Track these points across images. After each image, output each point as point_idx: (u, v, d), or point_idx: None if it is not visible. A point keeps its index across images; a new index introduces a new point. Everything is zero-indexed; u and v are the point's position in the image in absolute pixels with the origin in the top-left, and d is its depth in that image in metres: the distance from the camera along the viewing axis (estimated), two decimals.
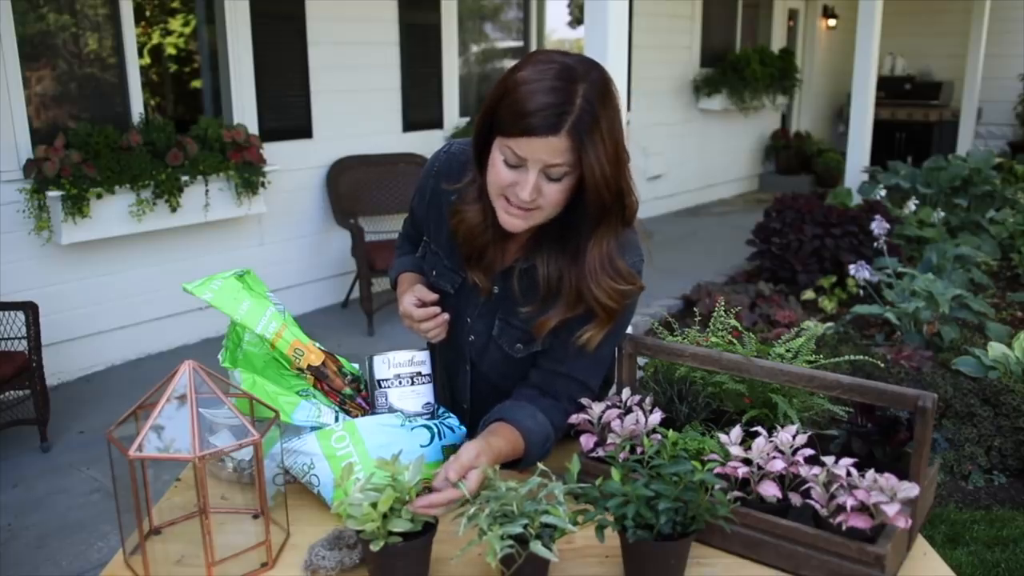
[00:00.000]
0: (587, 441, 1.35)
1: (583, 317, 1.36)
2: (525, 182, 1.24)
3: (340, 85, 5.38)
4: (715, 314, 1.54)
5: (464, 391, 1.59)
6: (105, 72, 4.49)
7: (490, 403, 1.48)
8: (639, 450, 1.22)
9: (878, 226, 4.65)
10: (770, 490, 1.16)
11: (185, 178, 4.38)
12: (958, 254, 5.15)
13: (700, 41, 8.89)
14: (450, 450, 1.40)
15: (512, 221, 1.30)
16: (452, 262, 1.48)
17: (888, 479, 1.11)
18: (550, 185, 1.25)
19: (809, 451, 1.18)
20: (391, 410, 1.42)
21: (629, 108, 5.38)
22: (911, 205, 5.95)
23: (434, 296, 1.47)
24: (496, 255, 1.43)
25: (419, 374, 1.45)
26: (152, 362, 4.60)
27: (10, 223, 4.02)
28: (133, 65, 4.49)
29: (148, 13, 4.82)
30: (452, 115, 6.19)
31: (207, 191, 4.51)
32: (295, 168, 5.18)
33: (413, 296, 1.46)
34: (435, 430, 1.38)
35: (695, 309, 4.25)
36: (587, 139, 1.20)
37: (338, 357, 1.47)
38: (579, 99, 1.20)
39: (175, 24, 5.01)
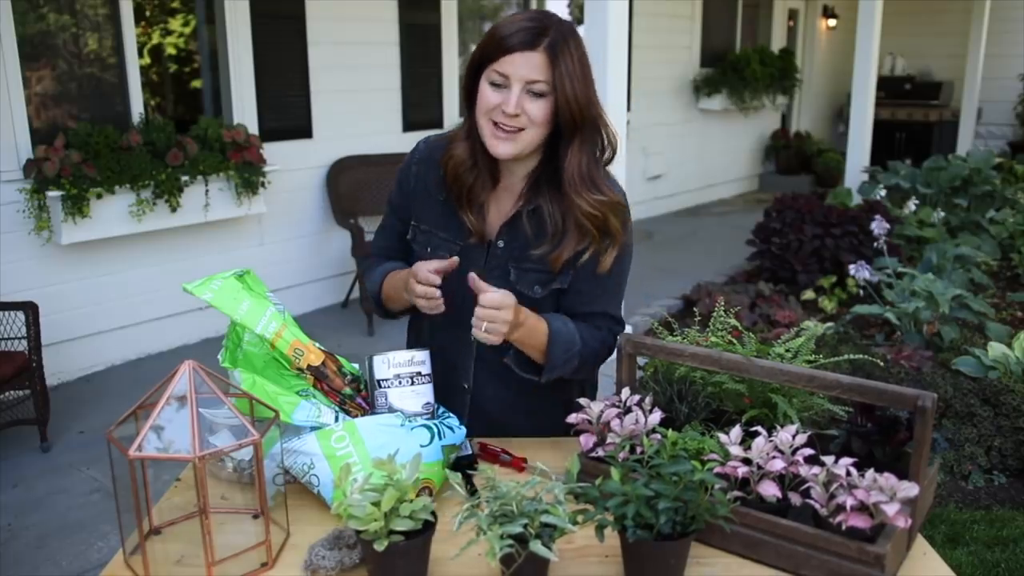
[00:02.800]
0: (587, 441, 1.35)
1: (592, 251, 1.49)
2: (509, 98, 1.39)
3: (340, 85, 5.38)
4: (715, 314, 1.54)
5: (467, 371, 1.60)
6: (105, 72, 4.49)
7: (491, 382, 1.56)
8: (639, 450, 1.22)
9: (878, 226, 4.65)
10: (770, 490, 1.16)
11: (185, 178, 4.38)
12: (958, 254, 5.15)
13: (700, 41, 8.89)
14: (450, 450, 1.40)
15: (500, 145, 1.43)
16: (448, 232, 1.54)
17: (888, 479, 1.11)
18: (532, 103, 1.40)
19: (809, 451, 1.18)
20: (391, 410, 1.42)
21: (629, 108, 5.37)
22: (911, 205, 5.95)
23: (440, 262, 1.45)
24: (496, 206, 1.53)
25: (419, 374, 1.45)
26: (152, 362, 4.60)
27: (10, 223, 4.02)
28: (133, 65, 4.49)
29: (148, 13, 4.82)
30: (452, 115, 6.19)
31: (207, 191, 4.51)
32: (295, 168, 5.18)
33: (423, 269, 1.43)
34: (435, 430, 1.38)
35: (695, 309, 4.25)
36: (560, 58, 1.38)
37: (338, 357, 1.47)
38: (552, 29, 1.40)
39: (175, 24, 5.01)
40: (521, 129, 1.42)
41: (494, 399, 1.60)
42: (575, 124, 1.42)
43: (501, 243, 1.53)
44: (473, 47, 6.75)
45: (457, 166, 1.50)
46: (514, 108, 1.39)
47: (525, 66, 1.38)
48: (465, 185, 1.50)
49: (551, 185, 1.48)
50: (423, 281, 1.43)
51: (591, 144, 1.46)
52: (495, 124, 1.42)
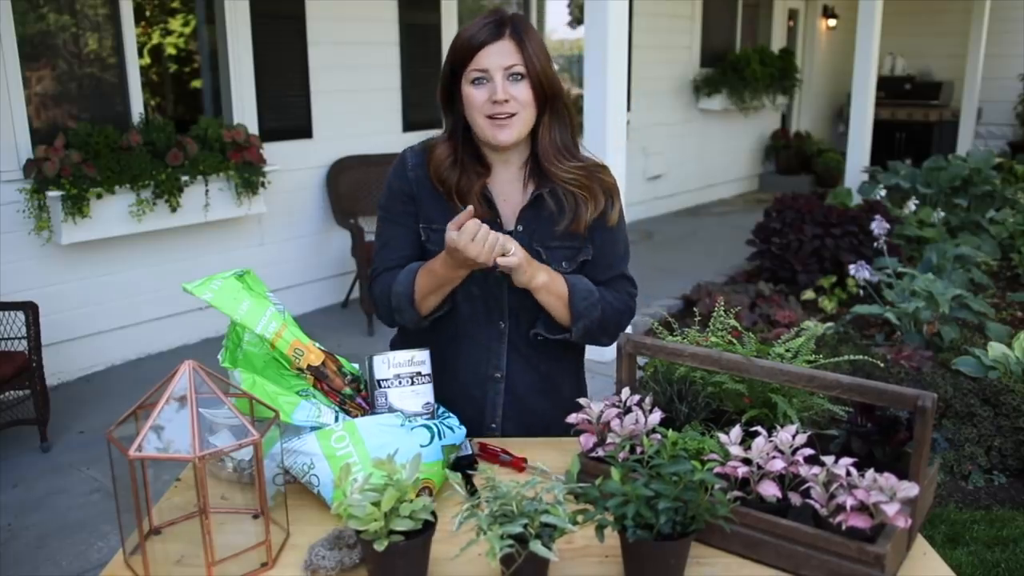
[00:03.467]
0: (587, 441, 1.35)
1: (600, 211, 1.60)
2: (495, 88, 1.50)
3: (340, 85, 5.38)
4: (715, 314, 1.54)
5: (499, 359, 1.63)
6: (105, 72, 4.49)
7: (521, 368, 1.63)
8: (639, 450, 1.22)
9: (878, 226, 4.65)
10: (770, 490, 1.16)
11: (185, 178, 4.38)
12: (958, 254, 5.15)
13: (700, 41, 8.88)
14: (450, 450, 1.40)
15: (501, 133, 1.53)
16: None
17: (888, 479, 1.11)
18: (516, 87, 1.51)
19: (809, 451, 1.18)
20: (391, 410, 1.42)
21: (629, 108, 5.37)
22: (911, 205, 5.94)
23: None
24: (503, 197, 1.61)
25: (419, 374, 1.45)
26: (152, 362, 4.60)
27: (10, 223, 4.02)
28: (133, 65, 4.49)
29: (148, 13, 4.82)
30: None
31: (207, 191, 4.51)
32: (295, 168, 5.18)
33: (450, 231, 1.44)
34: (435, 430, 1.38)
35: (695, 309, 4.25)
36: (525, 40, 1.51)
37: (338, 357, 1.47)
38: (509, 19, 1.54)
39: (175, 24, 5.01)
40: (514, 114, 1.52)
41: (526, 385, 1.66)
42: (546, 98, 1.54)
43: (520, 227, 1.60)
44: None
45: (438, 166, 1.59)
46: (502, 94, 1.49)
47: (499, 55, 1.50)
48: (451, 182, 1.59)
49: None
50: (458, 237, 1.41)
51: (560, 116, 1.58)
52: (490, 117, 1.52)
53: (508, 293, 1.60)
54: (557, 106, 1.57)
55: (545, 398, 1.67)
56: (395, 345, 1.74)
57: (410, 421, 1.37)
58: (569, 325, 1.59)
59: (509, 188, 1.62)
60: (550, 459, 1.44)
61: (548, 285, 1.54)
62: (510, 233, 1.59)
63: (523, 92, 1.51)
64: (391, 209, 1.66)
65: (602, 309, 1.60)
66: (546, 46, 1.56)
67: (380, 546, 1.06)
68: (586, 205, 1.58)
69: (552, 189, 1.58)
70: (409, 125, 5.87)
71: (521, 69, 1.50)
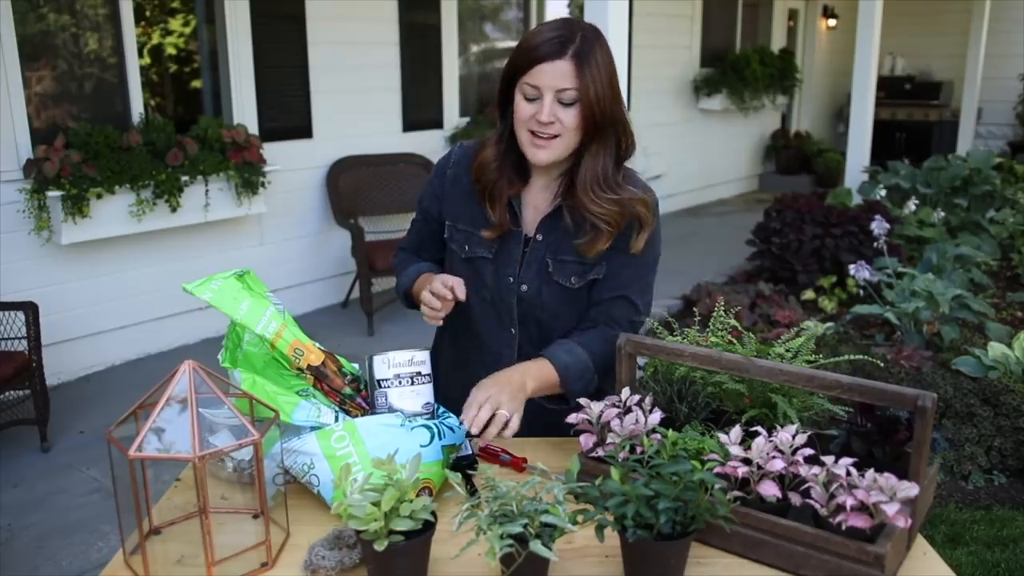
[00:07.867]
0: (587, 441, 1.35)
1: (625, 239, 1.56)
2: (542, 108, 1.45)
3: (340, 85, 5.38)
4: (715, 314, 1.54)
5: (510, 362, 1.63)
6: (105, 72, 4.49)
7: None
8: (639, 450, 1.22)
9: (878, 226, 4.65)
10: (770, 490, 1.16)
11: (185, 178, 4.38)
12: (958, 254, 5.15)
13: (700, 41, 8.88)
14: (450, 450, 1.40)
15: (538, 153, 1.50)
16: (486, 229, 1.60)
17: (888, 479, 1.11)
18: (564, 111, 1.46)
19: (809, 451, 1.18)
20: (391, 410, 1.42)
21: (629, 108, 5.37)
22: (911, 205, 5.94)
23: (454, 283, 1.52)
24: (532, 204, 1.60)
25: (419, 374, 1.45)
26: (152, 362, 4.60)
27: (10, 223, 4.02)
28: (133, 65, 4.49)
29: (148, 13, 4.82)
30: (452, 115, 6.19)
31: (207, 191, 4.51)
32: (295, 168, 5.18)
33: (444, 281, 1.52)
34: (435, 430, 1.38)
35: (695, 309, 4.24)
36: (586, 63, 1.44)
37: (338, 357, 1.47)
38: (579, 35, 1.45)
39: (175, 24, 5.00)
40: (556, 136, 1.48)
41: None
42: (597, 126, 1.48)
43: (540, 236, 1.59)
44: (473, 47, 6.78)
45: (480, 166, 1.58)
46: (547, 116, 1.45)
47: (554, 75, 1.44)
48: (488, 183, 1.58)
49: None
50: (437, 292, 1.49)
51: (609, 146, 1.52)
52: (532, 133, 1.49)
53: (517, 302, 1.61)
54: (607, 134, 1.50)
55: (563, 402, 1.63)
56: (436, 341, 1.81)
57: (410, 421, 1.37)
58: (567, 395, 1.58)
59: (539, 195, 1.61)
60: (550, 459, 1.44)
61: (538, 391, 1.52)
62: (529, 240, 1.59)
63: (571, 117, 1.46)
64: (421, 203, 1.74)
65: (595, 372, 1.56)
66: (613, 65, 1.47)
67: (380, 546, 1.06)
68: (604, 238, 1.53)
69: (575, 204, 1.55)
70: (409, 125, 5.87)
71: (574, 94, 1.44)
